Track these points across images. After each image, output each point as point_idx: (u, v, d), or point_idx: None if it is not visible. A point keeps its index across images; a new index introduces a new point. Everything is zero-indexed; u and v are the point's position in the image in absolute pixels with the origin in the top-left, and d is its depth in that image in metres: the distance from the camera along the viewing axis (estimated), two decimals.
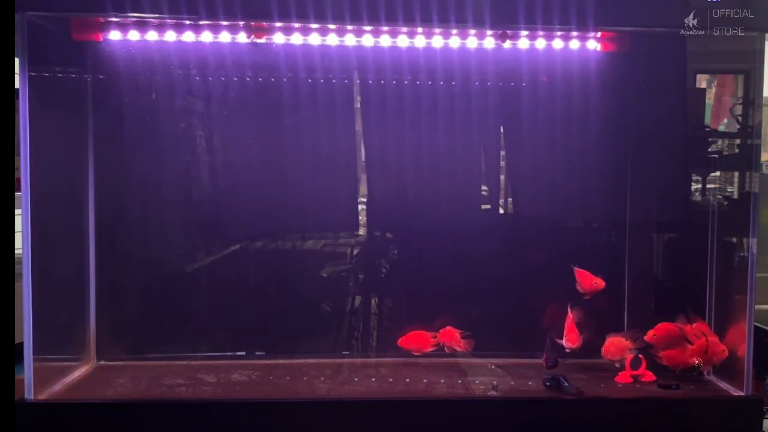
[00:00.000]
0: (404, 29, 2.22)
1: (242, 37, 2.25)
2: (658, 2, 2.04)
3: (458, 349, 2.35)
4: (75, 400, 2.06)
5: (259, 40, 2.26)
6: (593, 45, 2.36)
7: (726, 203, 2.51)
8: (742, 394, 2.11)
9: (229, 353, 2.54)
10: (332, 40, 2.25)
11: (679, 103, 2.54)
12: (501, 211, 2.64)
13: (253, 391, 2.15)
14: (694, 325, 2.23)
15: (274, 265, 2.61)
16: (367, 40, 2.26)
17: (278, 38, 2.26)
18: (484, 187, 2.61)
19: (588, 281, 2.27)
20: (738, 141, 2.69)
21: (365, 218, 2.60)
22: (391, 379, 2.25)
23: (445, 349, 2.36)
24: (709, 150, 2.68)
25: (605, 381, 2.24)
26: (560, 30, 2.24)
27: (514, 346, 2.44)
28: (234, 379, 2.25)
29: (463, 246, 2.54)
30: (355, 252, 2.63)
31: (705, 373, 2.26)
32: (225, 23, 2.18)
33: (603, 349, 2.26)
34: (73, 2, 2.00)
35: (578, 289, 2.28)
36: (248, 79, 2.44)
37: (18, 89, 1.91)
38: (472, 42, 2.28)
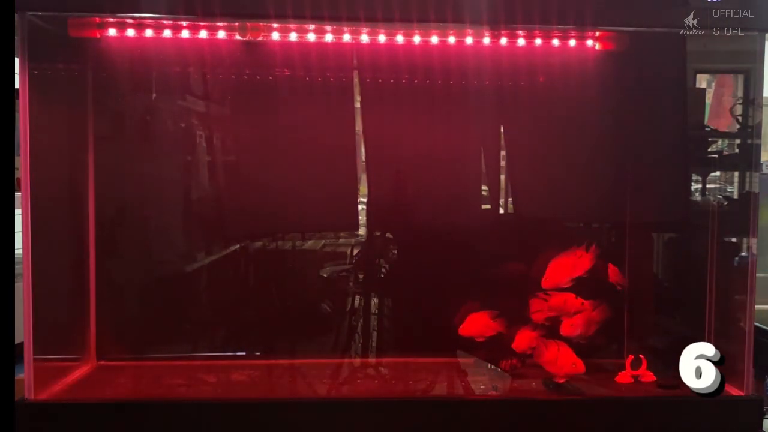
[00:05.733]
0: (402, 28, 2.22)
1: (241, 35, 2.25)
2: (658, 2, 2.04)
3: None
4: (75, 400, 2.06)
5: (258, 38, 2.26)
6: (592, 44, 2.36)
7: (726, 203, 2.51)
8: (742, 394, 2.10)
9: (229, 353, 2.55)
10: (332, 38, 2.25)
11: (679, 103, 2.54)
12: (501, 210, 2.64)
13: (253, 391, 2.15)
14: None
15: (274, 265, 2.62)
16: (367, 39, 2.26)
17: (278, 36, 2.26)
18: (483, 187, 2.61)
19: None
20: (738, 141, 2.69)
21: (365, 218, 2.60)
22: (391, 380, 2.25)
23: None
24: (709, 150, 2.68)
25: (605, 381, 2.24)
26: (560, 29, 2.24)
27: None
28: (234, 379, 2.25)
29: (462, 245, 2.54)
30: (355, 252, 2.64)
31: None
32: (222, 23, 2.19)
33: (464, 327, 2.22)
34: (72, 2, 2.00)
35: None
36: (246, 76, 2.44)
37: (18, 89, 1.91)
38: (470, 40, 2.28)
